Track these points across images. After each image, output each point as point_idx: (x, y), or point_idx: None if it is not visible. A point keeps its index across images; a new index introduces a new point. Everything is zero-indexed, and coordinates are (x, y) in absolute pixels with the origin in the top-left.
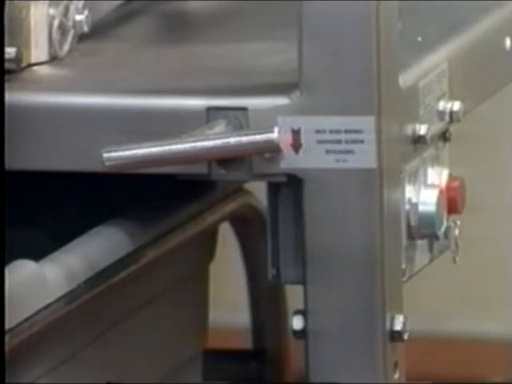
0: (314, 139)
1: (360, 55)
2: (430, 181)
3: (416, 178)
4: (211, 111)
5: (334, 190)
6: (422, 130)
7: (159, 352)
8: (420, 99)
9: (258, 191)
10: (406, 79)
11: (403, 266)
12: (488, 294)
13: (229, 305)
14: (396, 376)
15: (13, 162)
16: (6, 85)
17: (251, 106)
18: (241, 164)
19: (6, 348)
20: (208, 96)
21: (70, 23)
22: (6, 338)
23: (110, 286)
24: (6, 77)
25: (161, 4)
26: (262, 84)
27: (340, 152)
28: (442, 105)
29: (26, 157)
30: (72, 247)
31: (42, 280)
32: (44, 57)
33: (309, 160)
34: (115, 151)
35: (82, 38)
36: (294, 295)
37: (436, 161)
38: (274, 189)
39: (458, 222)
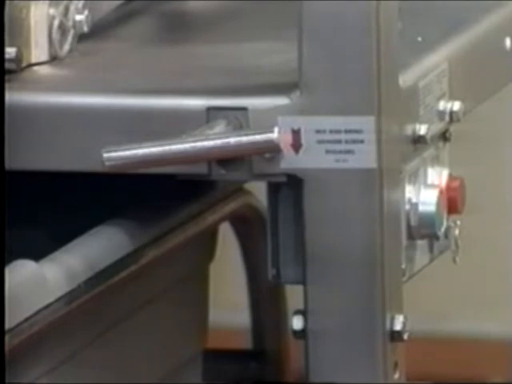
0: (314, 139)
1: (360, 55)
2: (429, 181)
3: (416, 177)
4: (211, 111)
5: (333, 189)
6: (422, 129)
7: (159, 352)
8: (420, 99)
9: (258, 191)
10: (405, 79)
11: (403, 266)
12: (488, 293)
13: (229, 305)
14: (396, 376)
15: (13, 162)
16: (6, 85)
17: (251, 105)
18: (241, 164)
19: (6, 348)
20: (208, 96)
21: (70, 23)
22: (6, 338)
23: (110, 286)
24: (6, 77)
25: (161, 4)
26: (261, 84)
27: (340, 152)
28: (442, 105)
29: (26, 157)
30: (72, 247)
31: (42, 280)
32: (44, 57)
33: (309, 160)
34: (115, 151)
35: (81, 37)
36: (293, 295)
37: (436, 161)
38: (273, 189)
39: (458, 222)
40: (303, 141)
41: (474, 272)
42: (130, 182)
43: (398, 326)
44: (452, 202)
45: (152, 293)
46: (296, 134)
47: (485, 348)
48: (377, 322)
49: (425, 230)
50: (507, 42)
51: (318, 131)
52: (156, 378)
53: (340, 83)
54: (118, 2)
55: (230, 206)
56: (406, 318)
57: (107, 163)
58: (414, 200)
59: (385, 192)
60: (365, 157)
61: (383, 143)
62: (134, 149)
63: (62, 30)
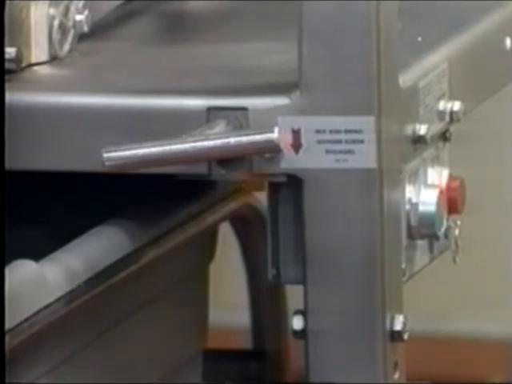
0: (314, 139)
1: (360, 55)
2: (430, 181)
3: (416, 178)
4: (211, 111)
5: (334, 189)
6: (422, 129)
7: (159, 352)
8: (420, 99)
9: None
10: (405, 79)
11: (403, 266)
12: (488, 293)
13: (229, 305)
14: (396, 376)
15: (13, 162)
16: (6, 85)
17: (251, 105)
18: (241, 164)
19: (6, 348)
20: (208, 96)
21: (70, 23)
22: (6, 338)
23: (110, 286)
24: (6, 77)
25: (161, 4)
26: (261, 84)
27: (340, 152)
28: (442, 105)
29: (26, 157)
30: (72, 247)
31: (42, 280)
32: (44, 57)
33: (309, 160)
34: (115, 151)
35: (82, 37)
36: (293, 295)
37: (436, 161)
38: (273, 188)
39: (458, 222)
40: (303, 141)
41: (474, 272)
42: (129, 182)
43: (398, 326)
44: (452, 202)
45: (152, 293)
46: (296, 133)
47: (485, 348)
48: (377, 321)
49: (425, 229)
50: (507, 41)
51: (317, 131)
52: (156, 378)
53: (340, 83)
54: (118, 2)
55: (230, 206)
56: (405, 317)
57: (107, 163)
58: (414, 200)
59: (385, 192)
60: (365, 157)
61: (383, 143)
62: (134, 149)
63: (62, 29)
